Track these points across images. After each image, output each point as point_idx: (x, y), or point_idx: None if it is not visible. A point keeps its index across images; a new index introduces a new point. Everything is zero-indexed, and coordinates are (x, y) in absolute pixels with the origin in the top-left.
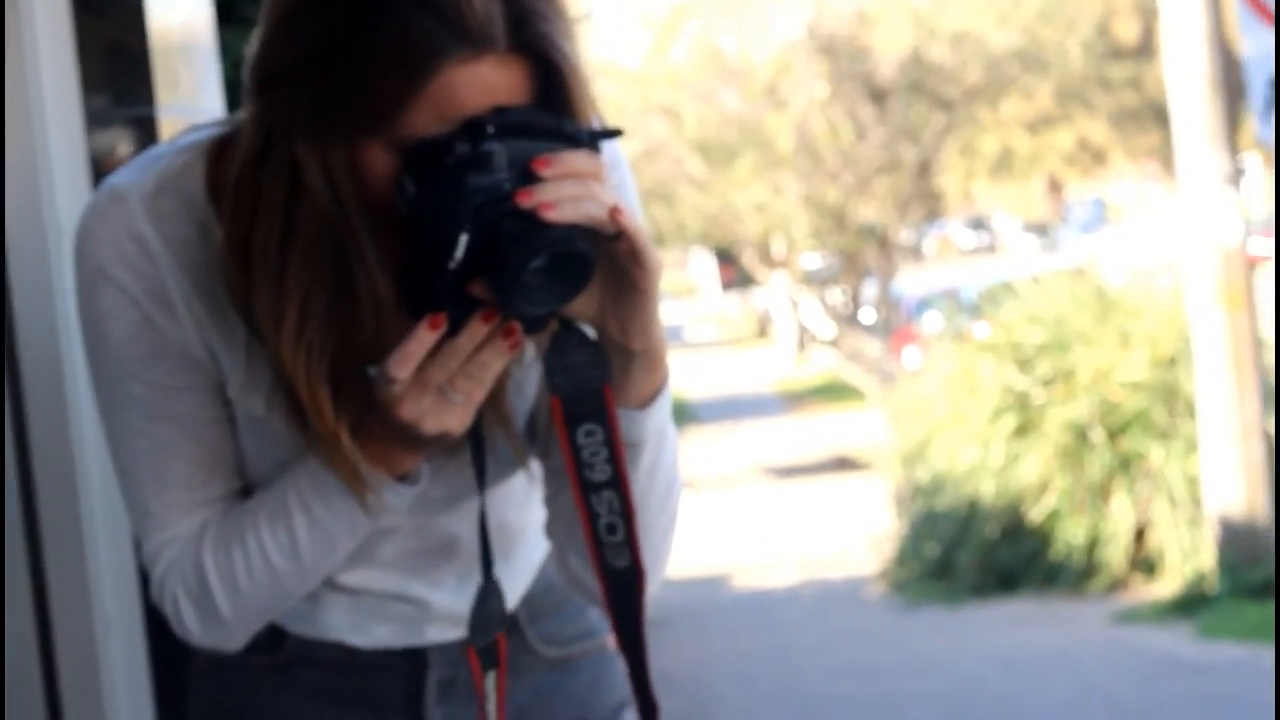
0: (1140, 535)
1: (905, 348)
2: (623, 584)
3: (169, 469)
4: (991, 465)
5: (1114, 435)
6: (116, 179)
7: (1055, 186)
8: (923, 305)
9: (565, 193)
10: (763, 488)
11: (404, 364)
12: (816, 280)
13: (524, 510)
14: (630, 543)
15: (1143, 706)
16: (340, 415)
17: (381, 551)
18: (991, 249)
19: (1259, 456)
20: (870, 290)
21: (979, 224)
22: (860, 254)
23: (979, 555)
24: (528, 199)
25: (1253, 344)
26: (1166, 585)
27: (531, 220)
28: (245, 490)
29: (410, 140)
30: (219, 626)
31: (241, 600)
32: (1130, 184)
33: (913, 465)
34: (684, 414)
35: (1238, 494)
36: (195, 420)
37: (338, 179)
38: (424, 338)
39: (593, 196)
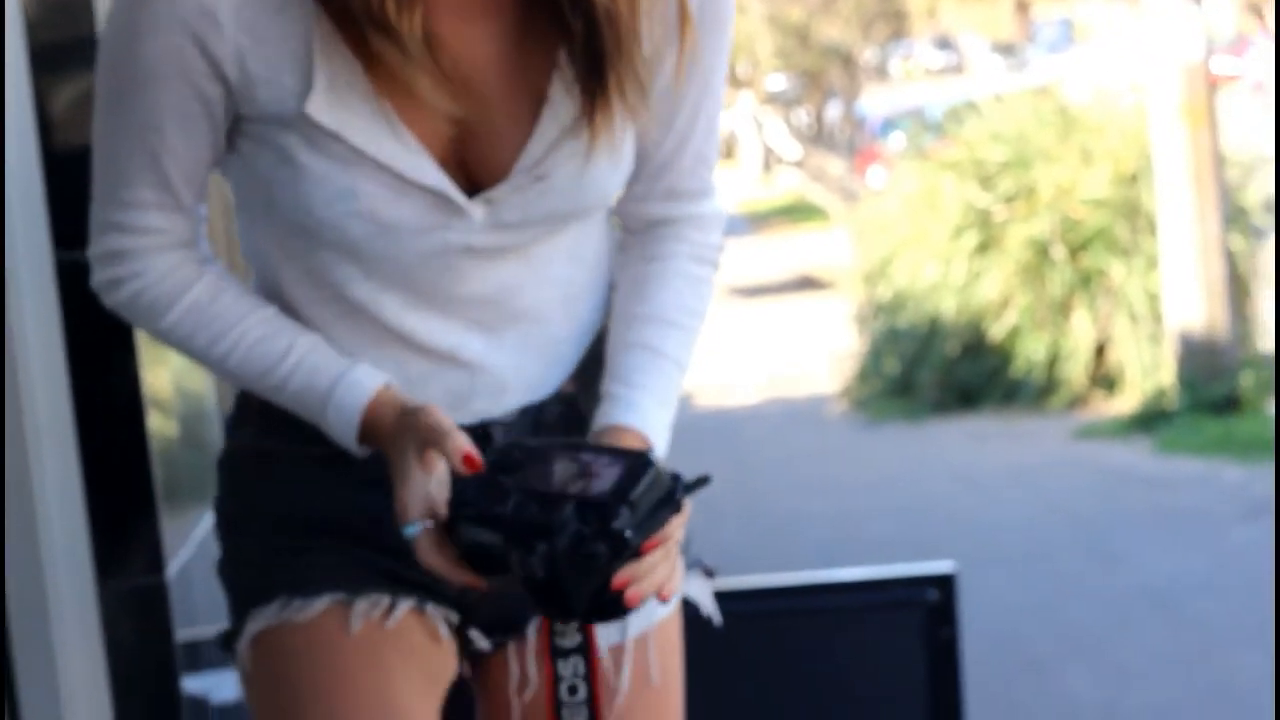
0: (1101, 352)
1: (869, 167)
2: None
3: (145, 169)
4: (953, 282)
5: (1075, 252)
6: None
7: (1022, 6)
8: (888, 125)
9: (656, 574)
10: (727, 307)
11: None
12: (781, 101)
13: (590, 268)
14: (592, 706)
15: (1102, 520)
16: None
17: (448, 294)
18: (958, 69)
19: (1219, 272)
20: (835, 110)
21: (945, 44)
22: (825, 74)
23: (940, 372)
24: (624, 584)
25: (1214, 160)
26: (1126, 401)
27: (616, 594)
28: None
29: None
30: (141, 327)
31: (184, 350)
32: (1098, 4)
33: (875, 284)
34: None
35: (1198, 310)
36: (185, 141)
37: None
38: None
39: (669, 568)
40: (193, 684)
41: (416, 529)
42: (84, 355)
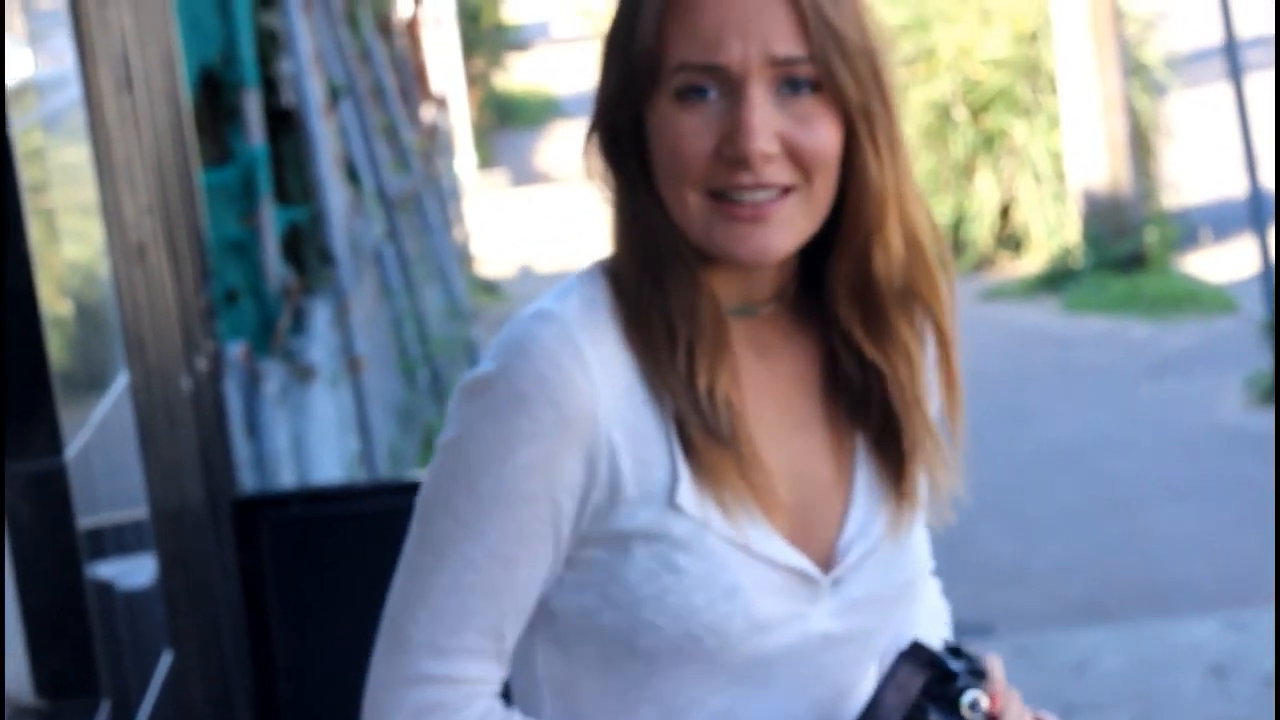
0: (1005, 212)
1: None
2: None
3: (480, 612)
4: None
5: (977, 113)
6: (540, 306)
7: None
8: None
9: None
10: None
11: None
12: None
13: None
14: None
15: (1012, 379)
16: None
17: (797, 695)
18: None
19: (1121, 130)
20: None
21: None
22: None
23: None
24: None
25: (1113, 16)
26: (1032, 261)
27: None
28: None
29: (684, 75)
30: None
31: None
32: None
33: None
34: (551, 109)
35: (1101, 168)
36: (529, 573)
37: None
38: None
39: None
40: (99, 570)
41: None
42: None
